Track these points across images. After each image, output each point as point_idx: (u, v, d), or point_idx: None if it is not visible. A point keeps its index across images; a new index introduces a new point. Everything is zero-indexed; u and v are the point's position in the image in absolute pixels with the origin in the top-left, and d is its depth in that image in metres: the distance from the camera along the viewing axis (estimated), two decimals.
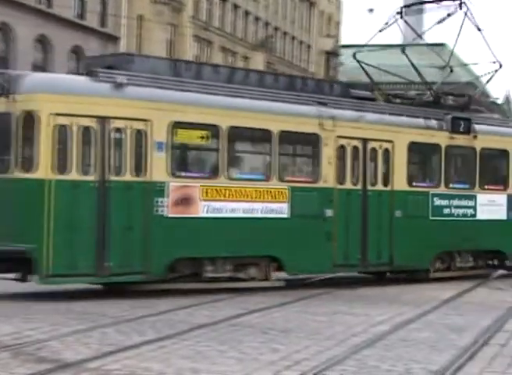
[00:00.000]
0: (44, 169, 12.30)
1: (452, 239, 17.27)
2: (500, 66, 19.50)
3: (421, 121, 17.18)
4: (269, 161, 14.47)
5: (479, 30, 19.09)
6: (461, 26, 18.66)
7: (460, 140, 17.72)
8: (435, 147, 17.20)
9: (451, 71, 20.00)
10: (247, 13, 61.08)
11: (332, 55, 75.95)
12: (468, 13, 18.72)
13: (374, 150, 16.02)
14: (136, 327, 10.44)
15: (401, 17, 19.03)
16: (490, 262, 18.69)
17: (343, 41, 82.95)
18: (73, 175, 12.46)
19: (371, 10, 34.41)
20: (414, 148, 16.75)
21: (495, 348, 9.51)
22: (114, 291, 13.89)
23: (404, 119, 16.81)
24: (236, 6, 59.22)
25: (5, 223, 12.46)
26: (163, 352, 8.86)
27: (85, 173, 12.60)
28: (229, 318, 11.42)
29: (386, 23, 18.96)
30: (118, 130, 12.83)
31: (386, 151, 16.19)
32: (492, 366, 8.58)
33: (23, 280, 12.64)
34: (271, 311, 12.32)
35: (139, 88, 13.17)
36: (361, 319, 11.61)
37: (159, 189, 13.09)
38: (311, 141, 15.12)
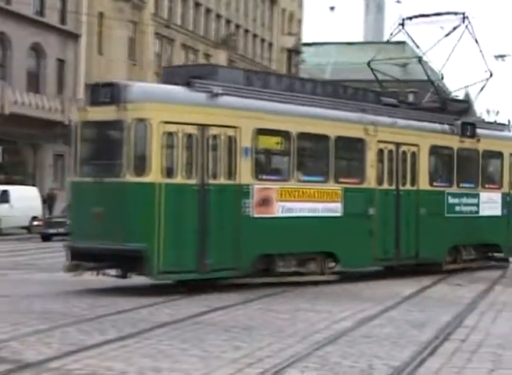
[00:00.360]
0: (154, 174, 13.32)
1: (461, 234, 19.10)
2: (491, 75, 21.10)
3: (438, 126, 18.93)
4: (327, 164, 15.98)
5: (477, 42, 20.73)
6: (459, 38, 20.08)
7: (468, 143, 19.59)
8: (449, 150, 19.06)
9: (442, 78, 21.02)
10: (208, 11, 60.96)
11: (293, 52, 76.15)
12: (469, 27, 20.26)
13: (404, 153, 17.76)
14: (97, 326, 10.38)
15: (403, 28, 20.45)
16: (488, 255, 20.53)
17: (305, 39, 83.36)
18: (179, 179, 13.56)
19: (332, 8, 34.85)
20: (433, 150, 18.56)
21: (455, 344, 9.61)
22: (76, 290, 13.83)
23: (426, 124, 18.55)
24: (197, 4, 59.09)
25: (117, 223, 13.37)
26: (125, 351, 8.82)
27: (188, 177, 13.67)
28: (191, 316, 11.41)
29: (391, 34, 20.83)
30: (214, 136, 14.03)
31: (413, 154, 17.95)
32: (452, 361, 8.67)
33: (123, 276, 14.01)
34: (233, 309, 12.32)
35: (229, 98, 14.40)
36: (324, 316, 11.66)
37: (246, 191, 14.37)
38: (358, 146, 16.77)
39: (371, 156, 16.83)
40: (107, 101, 13.64)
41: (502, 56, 34.67)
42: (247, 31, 67.94)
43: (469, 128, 19.64)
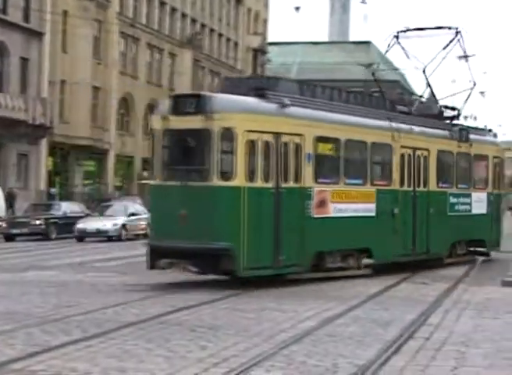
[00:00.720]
0: (239, 178, 14.56)
1: (459, 231, 21.04)
2: (474, 85, 22.98)
3: (441, 132, 20.79)
4: (365, 168, 17.70)
5: (466, 55, 22.35)
6: (450, 50, 21.69)
7: (463, 148, 21.47)
8: (450, 154, 20.94)
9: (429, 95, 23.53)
10: (173, 10, 60.81)
11: (259, 52, 76.20)
12: (461, 40, 21.86)
13: (418, 157, 19.47)
14: (62, 327, 10.32)
15: (397, 40, 21.48)
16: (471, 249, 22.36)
17: (271, 39, 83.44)
18: (259, 183, 14.85)
19: (297, 8, 34.90)
20: (439, 155, 20.32)
21: (419, 342, 9.68)
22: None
23: (433, 130, 20.38)
24: (162, 3, 58.91)
25: (203, 224, 14.44)
26: (89, 352, 8.78)
27: (266, 180, 14.98)
28: (157, 316, 11.38)
29: (388, 45, 21.71)
30: (285, 144, 15.38)
31: (425, 157, 19.71)
32: (416, 359, 8.74)
33: (204, 273, 15.22)
34: (199, 308, 12.31)
35: (296, 108, 15.78)
36: (289, 316, 11.69)
37: (308, 194, 15.83)
38: (387, 151, 18.46)
39: (396, 160, 18.64)
40: (192, 111, 14.72)
41: (465, 57, 35.04)
42: (212, 31, 67.86)
43: (464, 134, 21.53)
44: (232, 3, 71.12)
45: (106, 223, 30.96)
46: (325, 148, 16.65)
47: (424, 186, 19.60)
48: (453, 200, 20.82)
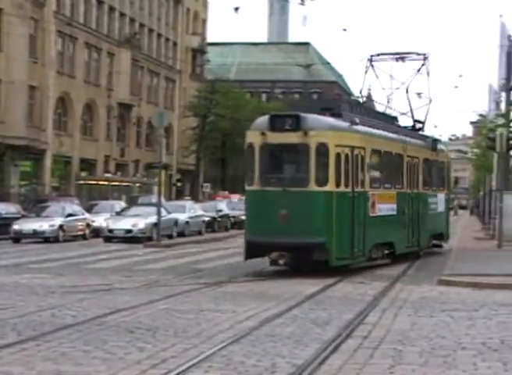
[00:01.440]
0: (331, 184, 17.71)
1: (433, 226, 24.67)
2: (430, 101, 26.04)
3: (423, 143, 24.35)
4: (392, 174, 21.30)
5: (428, 75, 25.29)
6: (417, 71, 24.63)
7: (434, 156, 25.16)
8: (428, 161, 24.52)
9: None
10: (111, 9, 60.30)
11: (198, 52, 76.01)
12: (427, 63, 24.86)
13: (414, 164, 22.95)
14: None
15: (371, 63, 23.95)
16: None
17: (210, 39, 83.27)
18: (342, 188, 17.94)
19: (236, 9, 34.91)
20: (424, 162, 23.88)
21: (357, 341, 9.77)
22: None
23: (419, 141, 23.96)
24: (100, 2, 58.38)
25: (302, 222, 17.37)
26: (25, 355, 8.65)
27: (346, 186, 18.07)
28: (94, 318, 11.27)
29: (366, 67, 23.92)
30: (356, 155, 18.56)
31: (417, 164, 23.17)
32: (354, 357, 8.81)
33: (295, 266, 18.26)
34: (137, 309, 12.23)
35: (359, 126, 19.13)
36: (228, 316, 11.69)
37: (367, 197, 19.07)
38: (399, 159, 21.79)
39: (405, 167, 22.07)
40: (290, 128, 17.66)
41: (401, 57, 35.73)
42: (151, 30, 67.49)
43: (435, 144, 25.41)
44: (171, 3, 70.85)
45: (43, 224, 30.58)
46: (374, 159, 20.02)
47: (417, 188, 23.10)
48: (430, 200, 24.56)
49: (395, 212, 21.08)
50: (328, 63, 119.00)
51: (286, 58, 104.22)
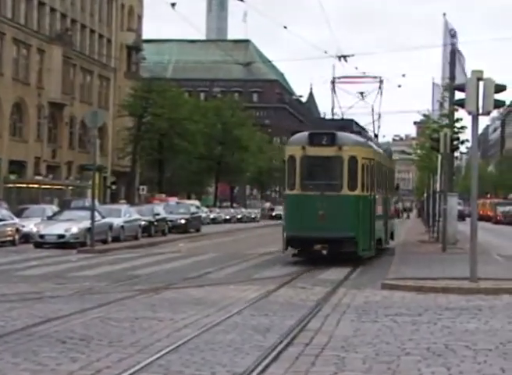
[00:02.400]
0: (359, 189, 22.71)
1: (382, 226, 27.04)
2: (379, 116, 31.39)
3: (386, 152, 29.59)
4: (382, 181, 26.39)
5: (381, 94, 30.95)
6: (378, 93, 30.33)
7: (391, 163, 30.50)
8: (389, 168, 29.62)
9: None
10: (41, 4, 59.63)
11: (133, 49, 75.60)
12: (381, 86, 30.18)
13: (385, 171, 27.53)
14: None
15: (333, 85, 28.39)
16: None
17: (145, 36, 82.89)
18: (365, 192, 22.95)
19: (173, 5, 34.80)
20: (388, 169, 29.16)
21: (299, 348, 9.81)
22: None
23: (380, 149, 28.13)
24: None
25: (336, 220, 22.25)
26: None
27: (367, 190, 23.14)
28: (24, 327, 11.12)
29: (333, 88, 28.45)
30: (372, 166, 23.59)
31: (386, 171, 28.03)
32: (296, 365, 8.85)
33: (332, 253, 22.72)
34: (70, 318, 12.10)
35: (370, 141, 25.25)
36: (166, 324, 11.64)
37: (375, 199, 24.23)
38: (384, 168, 27.13)
39: (384, 174, 27.11)
40: (327, 144, 22.66)
41: (344, 56, 36.59)
42: (83, 26, 66.91)
43: (391, 152, 30.80)
44: None
45: None
46: (379, 169, 24.99)
47: (385, 193, 27.42)
48: (388, 202, 28.54)
49: (382, 213, 25.95)
50: (269, 61, 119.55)
51: (224, 56, 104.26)
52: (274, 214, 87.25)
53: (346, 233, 22.36)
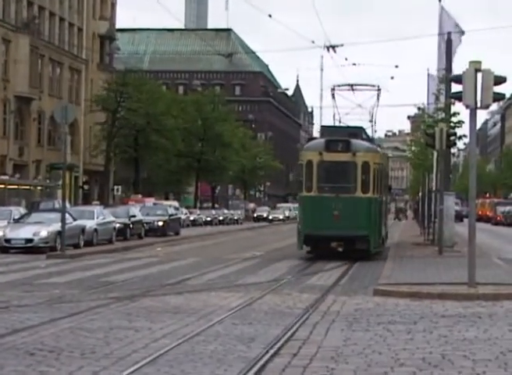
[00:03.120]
0: (371, 192, 26.63)
1: (384, 226, 31.62)
2: (375, 122, 34.90)
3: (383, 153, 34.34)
4: (381, 182, 29.09)
5: (378, 101, 35.07)
6: (377, 100, 33.88)
7: (387, 164, 34.64)
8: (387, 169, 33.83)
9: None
10: None
11: (107, 39, 75.47)
12: (379, 94, 33.58)
13: (385, 173, 31.33)
14: None
15: (333, 92, 32.30)
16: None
17: (119, 25, 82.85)
18: (375, 195, 26.99)
19: None
20: (387, 170, 33.54)
21: (286, 359, 9.82)
22: None
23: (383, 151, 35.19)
24: None
25: (350, 220, 26.12)
26: None
27: (377, 193, 27.21)
28: None
29: (333, 95, 32.23)
30: (380, 170, 27.90)
31: (386, 173, 32.22)
32: None
33: (346, 250, 27.16)
34: (39, 329, 12.07)
35: (378, 147, 29.97)
36: (143, 334, 11.63)
37: (383, 201, 29.71)
38: (384, 170, 30.72)
39: (385, 176, 30.58)
40: (342, 150, 26.68)
41: (333, 46, 37.05)
42: (52, 14, 66.72)
43: (387, 154, 35.95)
44: None
45: None
46: (385, 173, 29.99)
47: (385, 194, 31.41)
48: (386, 204, 33.28)
49: (384, 214, 30.98)
50: (253, 52, 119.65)
51: (205, 46, 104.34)
52: (256, 215, 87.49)
53: (359, 232, 26.47)
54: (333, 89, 32.23)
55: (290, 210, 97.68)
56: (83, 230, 32.11)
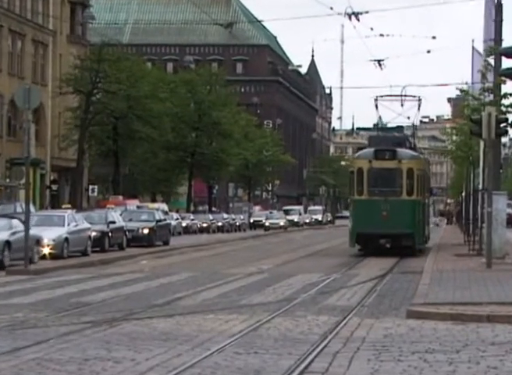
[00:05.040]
0: (416, 195, 37.22)
1: (427, 226, 45.96)
2: (416, 128, 49.80)
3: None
4: (424, 186, 40.66)
5: (419, 110, 49.06)
6: (418, 110, 46.57)
7: (429, 168, 51.15)
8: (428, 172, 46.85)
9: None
10: None
11: (79, 6, 75.51)
12: (419, 104, 47.52)
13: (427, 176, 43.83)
14: None
15: (376, 102, 43.38)
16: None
17: None
18: (419, 197, 37.71)
19: None
20: (428, 173, 46.21)
21: None
22: None
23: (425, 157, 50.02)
24: None
25: (397, 220, 36.28)
26: None
27: (420, 195, 37.76)
28: None
29: (376, 106, 43.33)
30: (423, 175, 39.30)
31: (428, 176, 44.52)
32: None
33: (393, 246, 37.49)
34: None
35: (421, 154, 44.36)
36: (124, 366, 11.65)
37: (426, 203, 43.45)
38: (426, 174, 43.79)
39: (428, 180, 42.44)
40: (389, 158, 36.86)
41: (356, 14, 37.69)
42: None
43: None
44: None
45: None
46: (427, 177, 41.52)
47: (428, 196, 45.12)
48: (429, 206, 53.80)
49: (427, 214, 43.56)
50: (258, 21, 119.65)
51: (199, 14, 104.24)
52: (253, 220, 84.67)
53: (405, 230, 36.78)
54: (376, 99, 42.60)
55: (300, 214, 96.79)
56: (38, 241, 31.24)
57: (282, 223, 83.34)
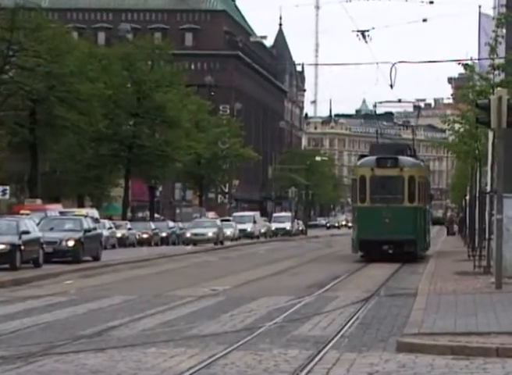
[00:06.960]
0: (417, 201, 48.74)
1: (428, 232, 58.80)
2: (414, 132, 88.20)
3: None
4: (424, 192, 53.47)
5: (418, 117, 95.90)
6: (417, 117, 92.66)
7: (428, 173, 66.67)
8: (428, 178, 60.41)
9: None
10: None
11: None
12: (419, 111, 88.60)
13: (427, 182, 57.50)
14: None
15: (375, 108, 64.03)
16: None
17: None
18: (420, 204, 49.49)
19: None
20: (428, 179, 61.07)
21: None
22: None
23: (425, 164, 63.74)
24: None
25: (399, 226, 47.14)
26: None
27: (421, 202, 49.57)
28: None
29: (375, 106, 62.90)
30: (424, 183, 51.39)
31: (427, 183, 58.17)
32: None
33: (395, 252, 48.10)
34: None
35: (422, 162, 57.22)
36: None
37: (427, 209, 57.79)
38: (426, 181, 57.27)
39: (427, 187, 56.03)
40: (391, 166, 47.80)
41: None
42: None
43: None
44: None
45: None
46: (427, 183, 55.03)
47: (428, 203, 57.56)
48: (429, 212, 62.96)
49: (428, 221, 55.16)
50: None
51: None
52: (190, 234, 75.05)
53: (407, 236, 46.21)
54: (375, 105, 53.84)
55: (255, 222, 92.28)
56: None
57: (210, 234, 74.70)
